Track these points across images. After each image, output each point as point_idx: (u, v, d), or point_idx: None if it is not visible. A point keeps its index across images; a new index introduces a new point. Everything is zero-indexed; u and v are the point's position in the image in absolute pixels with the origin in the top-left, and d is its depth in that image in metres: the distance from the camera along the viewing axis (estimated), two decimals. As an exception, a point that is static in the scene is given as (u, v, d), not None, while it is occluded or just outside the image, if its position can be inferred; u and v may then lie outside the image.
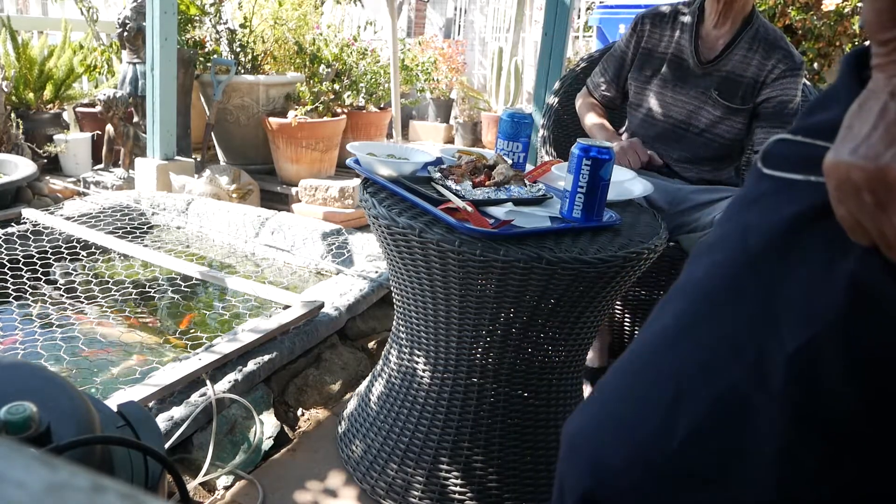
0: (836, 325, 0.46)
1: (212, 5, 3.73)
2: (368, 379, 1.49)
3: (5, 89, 3.22)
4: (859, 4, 4.42)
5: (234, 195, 3.07)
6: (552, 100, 2.14)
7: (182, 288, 2.07)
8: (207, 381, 1.42)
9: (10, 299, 1.96)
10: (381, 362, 1.44)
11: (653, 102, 1.74)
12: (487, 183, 1.21)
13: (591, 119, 1.82)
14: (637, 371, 0.59)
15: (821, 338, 0.46)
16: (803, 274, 0.48)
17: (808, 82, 1.99)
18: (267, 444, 1.43)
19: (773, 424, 0.48)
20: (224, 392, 1.42)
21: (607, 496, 0.56)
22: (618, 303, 1.86)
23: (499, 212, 1.15)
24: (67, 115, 3.75)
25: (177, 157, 3.18)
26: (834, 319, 0.46)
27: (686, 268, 0.60)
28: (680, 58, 1.69)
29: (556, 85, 2.19)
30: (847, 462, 0.47)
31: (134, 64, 3.28)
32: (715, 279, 0.55)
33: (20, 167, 2.82)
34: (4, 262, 2.11)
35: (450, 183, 1.22)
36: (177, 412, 1.33)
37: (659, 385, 0.55)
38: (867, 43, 0.45)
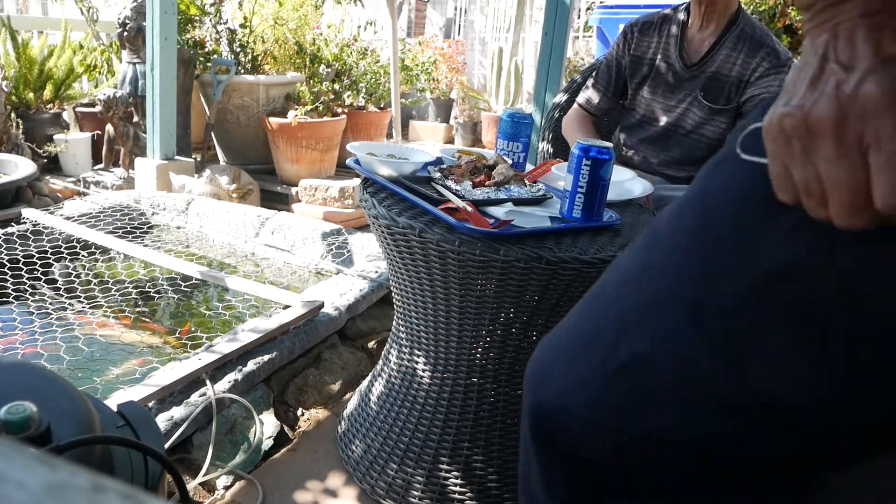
0: (764, 285, 0.50)
1: (212, 5, 3.73)
2: (368, 379, 1.49)
3: (5, 89, 3.22)
4: (859, 4, 4.41)
5: (234, 195, 3.07)
6: (556, 113, 2.13)
7: (182, 288, 2.07)
8: (207, 381, 1.42)
9: (10, 299, 1.96)
10: (381, 362, 1.44)
11: (644, 107, 1.78)
12: (487, 183, 1.21)
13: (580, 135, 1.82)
14: (586, 310, 0.64)
15: (749, 295, 0.51)
16: (742, 238, 0.53)
17: None
18: (267, 444, 1.43)
19: (709, 366, 0.53)
20: (224, 392, 1.42)
21: (555, 421, 0.62)
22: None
23: (499, 212, 1.15)
24: (67, 115, 3.75)
25: (177, 157, 3.18)
26: (762, 281, 0.51)
27: (651, 221, 0.65)
28: (667, 62, 1.72)
29: (558, 98, 2.19)
30: (779, 406, 0.51)
31: (134, 64, 3.28)
32: (667, 231, 0.60)
33: (20, 167, 2.82)
34: (4, 262, 2.11)
35: (450, 183, 1.22)
36: (177, 412, 1.33)
37: (604, 324, 0.61)
38: None
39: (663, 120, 1.73)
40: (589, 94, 1.87)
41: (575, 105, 1.91)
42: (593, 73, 1.89)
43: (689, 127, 1.70)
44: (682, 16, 1.70)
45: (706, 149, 1.70)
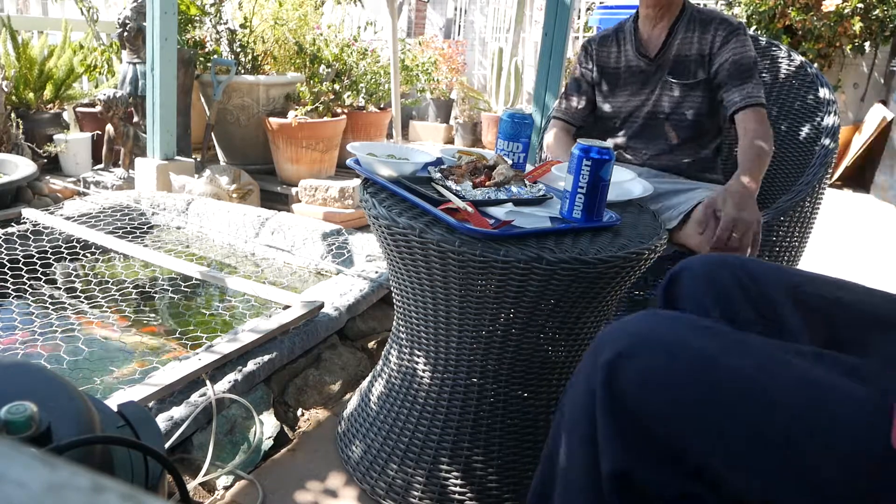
0: None
1: (212, 5, 3.73)
2: (368, 379, 1.49)
3: (5, 89, 3.22)
4: (860, 5, 4.41)
5: (234, 195, 3.07)
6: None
7: (182, 288, 2.07)
8: (207, 382, 1.42)
9: (10, 299, 1.96)
10: (381, 362, 1.44)
11: (622, 109, 1.82)
12: (487, 183, 1.21)
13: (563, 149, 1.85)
14: None
15: None
16: None
17: (814, 69, 1.99)
18: (267, 444, 1.43)
19: None
20: (224, 392, 1.42)
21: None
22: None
23: (499, 212, 1.15)
24: (67, 115, 3.75)
25: (177, 157, 3.18)
26: None
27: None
28: (630, 65, 1.78)
29: (558, 103, 2.19)
30: None
31: (134, 64, 3.28)
32: None
33: (20, 167, 2.82)
34: (4, 262, 2.11)
35: (450, 183, 1.22)
36: (177, 412, 1.33)
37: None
38: None
39: (641, 113, 1.78)
40: (564, 106, 1.92)
41: (553, 120, 1.94)
42: (564, 89, 1.95)
43: (668, 109, 1.74)
44: (631, 24, 1.79)
45: (690, 128, 1.74)
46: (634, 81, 1.79)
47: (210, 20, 3.71)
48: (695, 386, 0.63)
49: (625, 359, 0.65)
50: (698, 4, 1.78)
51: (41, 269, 2.11)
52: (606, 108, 1.86)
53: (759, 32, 3.81)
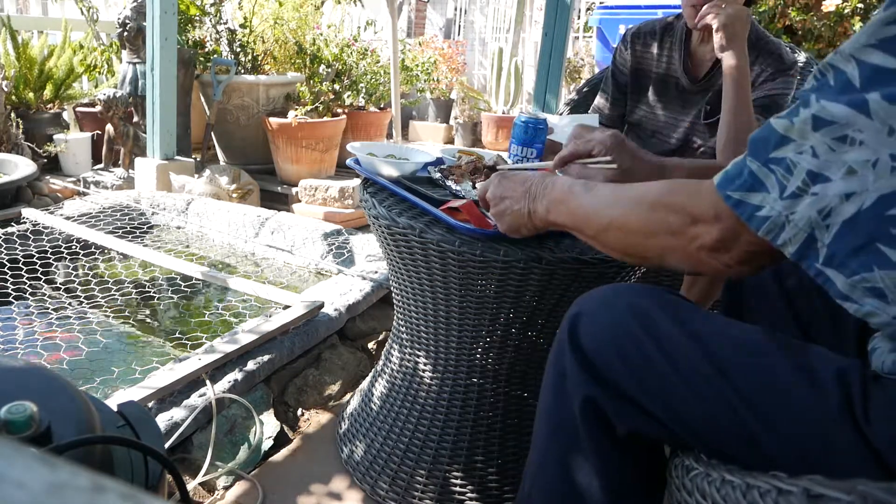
0: None
1: (212, 5, 3.72)
2: (369, 378, 1.49)
3: (5, 89, 3.22)
4: (860, 5, 4.41)
5: (234, 195, 3.07)
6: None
7: (182, 288, 2.07)
8: (207, 382, 1.42)
9: (11, 299, 1.96)
10: (381, 361, 1.44)
11: (650, 123, 1.70)
12: (487, 183, 1.21)
13: None
14: None
15: None
16: None
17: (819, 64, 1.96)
18: (267, 444, 1.43)
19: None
20: (224, 392, 1.42)
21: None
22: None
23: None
24: (67, 115, 3.75)
25: (177, 157, 3.18)
26: None
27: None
28: (672, 76, 1.64)
29: (561, 110, 2.18)
30: None
31: (134, 64, 3.28)
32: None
33: (20, 167, 2.82)
34: (4, 262, 2.11)
35: (450, 183, 1.22)
36: (177, 412, 1.33)
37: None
38: None
39: (671, 136, 1.66)
40: (599, 103, 1.79)
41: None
42: (601, 84, 1.82)
43: (700, 141, 1.63)
44: (682, 26, 1.62)
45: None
46: (672, 98, 1.64)
47: (210, 20, 3.71)
48: (637, 345, 0.71)
49: (583, 315, 0.77)
50: (759, 25, 1.53)
51: (41, 269, 2.11)
52: (635, 114, 1.72)
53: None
